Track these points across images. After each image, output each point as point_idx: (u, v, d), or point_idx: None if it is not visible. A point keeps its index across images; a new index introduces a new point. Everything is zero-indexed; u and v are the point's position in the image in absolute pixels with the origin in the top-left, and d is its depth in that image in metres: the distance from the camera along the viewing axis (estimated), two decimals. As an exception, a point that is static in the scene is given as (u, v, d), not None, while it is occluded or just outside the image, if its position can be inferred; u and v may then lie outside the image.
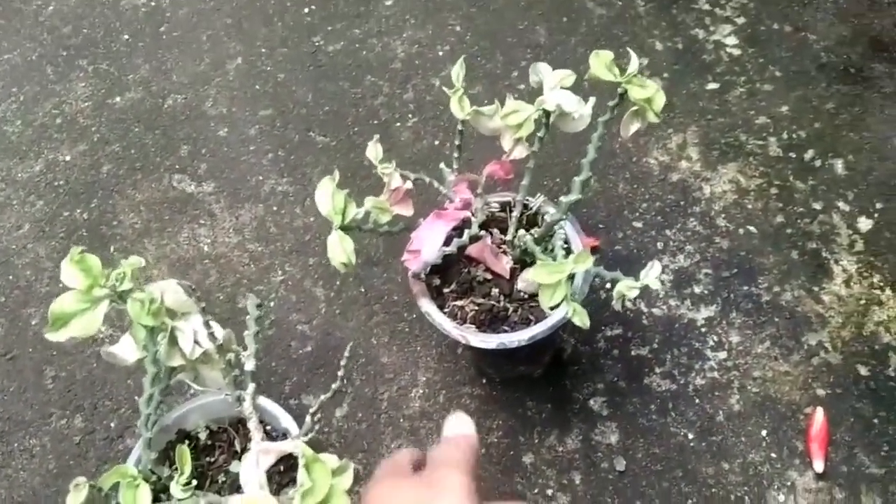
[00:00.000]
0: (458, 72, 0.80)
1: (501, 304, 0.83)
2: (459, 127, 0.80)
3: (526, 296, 0.84)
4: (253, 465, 0.65)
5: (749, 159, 1.14)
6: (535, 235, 0.82)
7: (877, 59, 1.23)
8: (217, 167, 1.20)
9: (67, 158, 1.24)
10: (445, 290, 0.85)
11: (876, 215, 1.07)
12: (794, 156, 1.14)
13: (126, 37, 1.39)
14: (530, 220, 0.87)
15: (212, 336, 0.72)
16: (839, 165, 1.12)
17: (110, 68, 1.35)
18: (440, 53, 1.30)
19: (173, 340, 0.71)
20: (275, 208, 1.15)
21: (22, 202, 1.20)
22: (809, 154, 1.14)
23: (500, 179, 0.83)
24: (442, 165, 0.86)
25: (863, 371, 0.96)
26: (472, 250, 0.85)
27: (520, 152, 0.77)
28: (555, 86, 0.74)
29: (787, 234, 1.07)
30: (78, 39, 1.40)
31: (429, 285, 0.85)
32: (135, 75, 1.33)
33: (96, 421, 1.00)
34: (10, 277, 1.13)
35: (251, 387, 0.79)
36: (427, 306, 0.82)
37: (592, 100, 0.74)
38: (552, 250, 0.81)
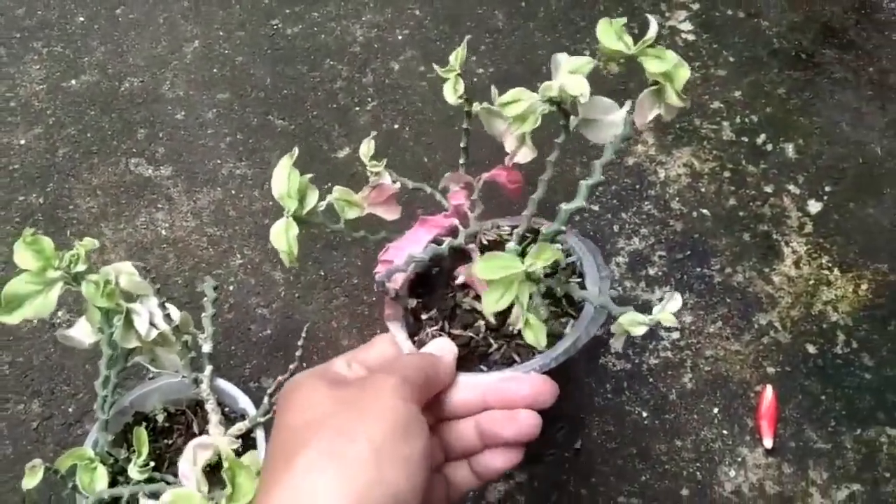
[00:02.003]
0: (459, 53, 0.67)
1: (481, 337, 0.68)
2: (465, 125, 0.70)
3: (516, 331, 0.66)
4: (190, 461, 0.65)
5: (703, 143, 1.16)
6: (529, 251, 0.64)
7: (827, 46, 1.25)
8: (174, 151, 1.20)
9: (22, 142, 1.23)
10: (423, 316, 0.72)
11: (825, 198, 1.10)
12: (746, 140, 1.16)
13: (81, 19, 1.37)
14: None
15: (167, 318, 0.72)
16: (790, 150, 1.15)
17: (65, 51, 1.33)
18: (399, 38, 1.30)
19: (129, 322, 0.71)
20: (233, 192, 1.15)
21: (-25, 186, 1.19)
22: (761, 138, 1.16)
23: (507, 191, 0.71)
24: (448, 174, 0.73)
25: (811, 349, 0.98)
26: (461, 271, 0.71)
27: (525, 155, 0.64)
28: (570, 71, 0.58)
29: (739, 216, 1.09)
30: (32, 21, 1.38)
31: (406, 308, 0.73)
32: (90, 58, 1.32)
33: (54, 406, 1.00)
34: (-36, 262, 1.11)
35: (208, 369, 0.80)
36: (395, 330, 0.68)
37: (629, 103, 0.60)
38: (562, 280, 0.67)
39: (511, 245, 0.67)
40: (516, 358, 0.65)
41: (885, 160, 1.13)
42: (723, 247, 1.06)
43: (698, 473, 0.91)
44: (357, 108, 1.22)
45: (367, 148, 0.73)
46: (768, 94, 1.20)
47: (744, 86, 1.21)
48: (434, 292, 0.73)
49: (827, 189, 1.11)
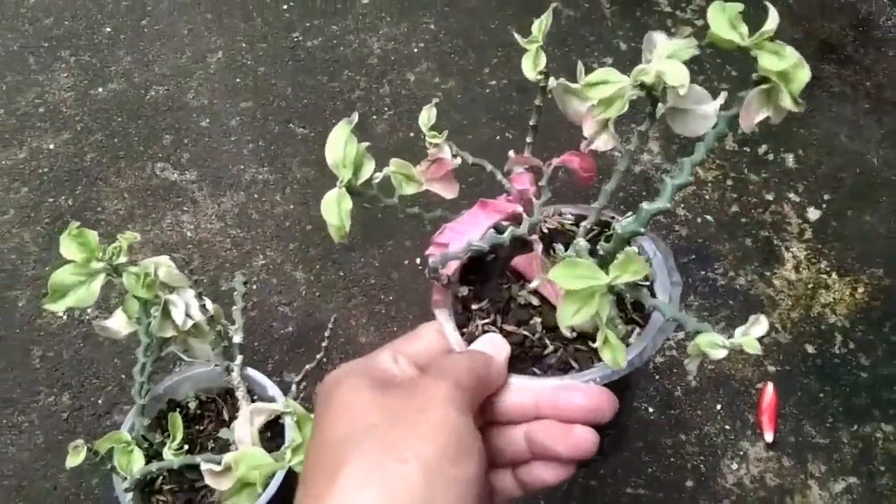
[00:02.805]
0: (542, 23, 0.62)
1: (537, 337, 0.62)
2: (537, 101, 0.64)
3: (575, 335, 0.61)
4: (246, 423, 0.70)
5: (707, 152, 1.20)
6: (600, 250, 0.59)
7: (826, 61, 1.30)
8: (199, 156, 1.24)
9: (51, 147, 1.28)
10: (474, 307, 0.65)
11: (824, 206, 1.15)
12: (748, 150, 1.21)
13: (108, 29, 1.42)
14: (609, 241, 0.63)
15: (203, 308, 0.76)
16: (790, 159, 1.19)
17: (92, 59, 1.38)
18: (415, 50, 1.35)
19: (166, 313, 0.75)
20: (256, 196, 1.20)
21: (6, 189, 1.23)
22: (763, 148, 1.21)
23: (578, 179, 0.65)
24: (511, 153, 0.67)
25: (810, 349, 1.02)
26: (519, 262, 0.65)
27: (605, 142, 0.57)
28: (668, 56, 0.51)
29: (741, 222, 1.13)
30: (60, 31, 1.43)
31: (455, 296, 0.65)
32: (117, 67, 1.37)
33: (83, 398, 1.04)
34: (-4, 261, 1.16)
35: (239, 358, 0.84)
36: (443, 319, 0.61)
37: (723, 95, 0.53)
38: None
39: (580, 242, 0.60)
40: (574, 364, 0.58)
41: (881, 170, 1.17)
42: (726, 251, 1.11)
43: (702, 466, 0.95)
44: (374, 117, 1.27)
45: (427, 116, 0.66)
46: (770, 106, 1.25)
47: (746, 98, 1.26)
48: (488, 281, 0.66)
49: (826, 197, 1.15)
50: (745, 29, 0.47)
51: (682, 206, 1.15)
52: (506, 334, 0.59)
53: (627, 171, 0.56)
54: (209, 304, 0.78)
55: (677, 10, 1.38)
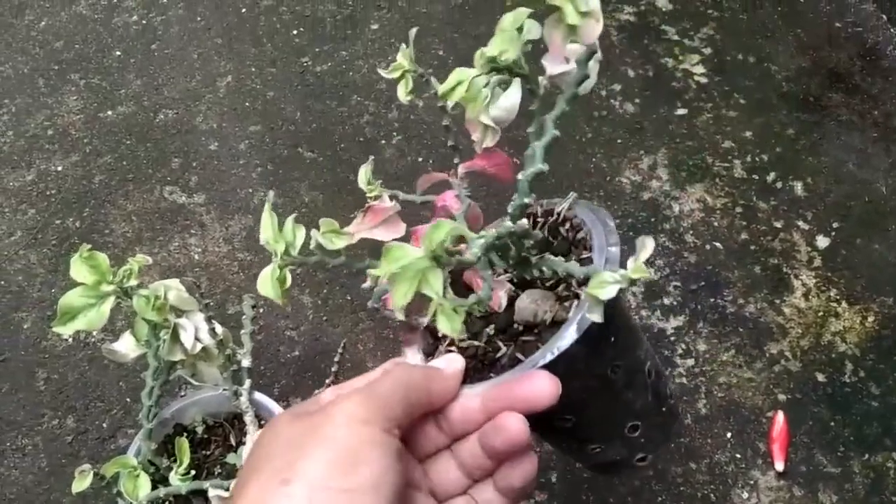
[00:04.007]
0: (407, 50, 0.63)
1: (484, 342, 0.60)
2: (445, 122, 0.64)
3: (521, 328, 0.59)
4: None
5: (715, 180, 1.20)
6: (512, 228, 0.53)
7: (834, 90, 1.31)
8: (207, 179, 1.25)
9: (59, 169, 1.28)
10: (440, 334, 0.63)
11: (833, 234, 1.14)
12: (757, 178, 1.21)
13: (118, 53, 1.43)
14: (552, 232, 0.63)
15: (213, 332, 0.76)
16: (799, 187, 1.19)
17: (102, 83, 1.39)
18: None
19: (175, 336, 0.75)
20: (264, 219, 1.19)
21: (14, 210, 1.23)
22: (771, 176, 1.21)
23: (498, 178, 0.65)
24: (422, 177, 0.69)
25: (820, 378, 1.02)
26: (467, 275, 0.65)
27: (492, 137, 0.55)
28: (503, 28, 0.50)
29: (750, 250, 1.13)
30: (70, 54, 1.44)
31: (424, 328, 0.64)
32: (126, 90, 1.37)
33: (88, 421, 1.03)
34: (2, 282, 1.15)
35: (247, 382, 0.83)
36: (411, 356, 0.61)
37: (598, 53, 0.47)
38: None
39: (505, 224, 0.56)
40: (521, 357, 0.56)
41: (889, 199, 1.17)
42: (735, 279, 1.10)
43: (712, 495, 0.94)
44: (383, 142, 1.27)
45: (364, 174, 0.67)
46: (778, 134, 1.26)
47: (754, 126, 1.27)
48: None
49: (834, 225, 1.15)
50: None
51: (691, 233, 1.15)
52: (462, 350, 0.58)
53: (547, 150, 0.50)
54: (218, 327, 0.77)
55: (685, 39, 1.38)
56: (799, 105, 1.29)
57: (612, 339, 0.54)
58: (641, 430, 0.58)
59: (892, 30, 1.37)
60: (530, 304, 0.56)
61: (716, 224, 1.16)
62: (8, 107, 1.37)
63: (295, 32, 1.44)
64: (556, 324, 0.54)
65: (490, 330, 0.60)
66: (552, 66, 0.49)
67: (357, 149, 1.27)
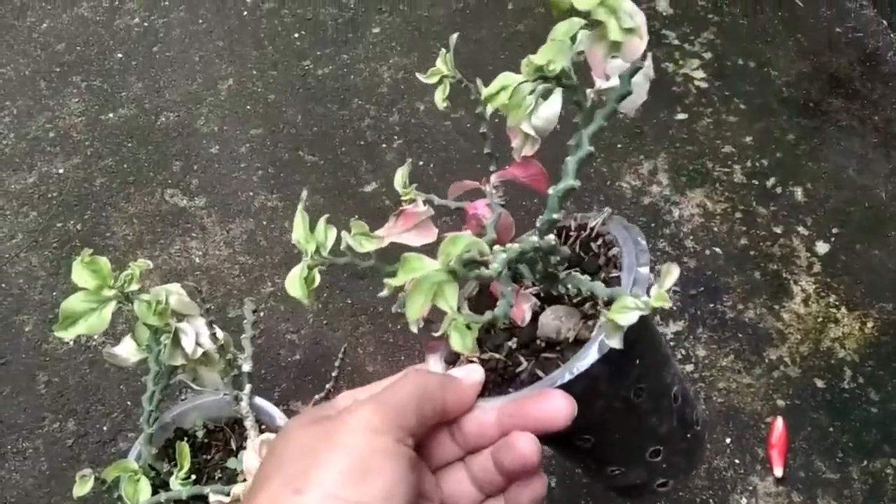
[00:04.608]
0: (447, 56, 0.63)
1: (504, 355, 0.58)
2: (483, 130, 0.64)
3: (543, 344, 0.58)
4: (255, 454, 0.69)
5: (715, 185, 1.21)
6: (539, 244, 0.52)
7: (834, 95, 1.31)
8: (209, 183, 1.25)
9: (61, 171, 1.28)
10: None
11: (832, 239, 1.15)
12: (756, 183, 1.21)
13: (119, 55, 1.43)
14: (584, 248, 0.62)
15: (213, 337, 0.76)
16: (799, 193, 1.20)
17: (104, 85, 1.39)
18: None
19: (176, 341, 0.75)
20: (264, 223, 1.20)
21: (15, 213, 1.24)
22: (771, 181, 1.21)
23: (533, 187, 0.64)
24: (453, 184, 0.68)
25: (819, 384, 1.02)
26: (494, 286, 0.64)
27: (532, 146, 0.53)
28: (553, 38, 0.47)
29: (750, 255, 1.13)
30: (72, 56, 1.44)
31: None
32: (128, 93, 1.38)
33: (89, 425, 1.03)
34: (3, 285, 1.16)
35: (248, 387, 0.83)
36: (433, 363, 0.61)
37: (650, 58, 0.48)
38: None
39: (530, 239, 0.55)
40: (540, 374, 0.55)
41: (889, 204, 1.18)
42: (735, 284, 1.11)
43: (711, 501, 0.94)
44: (384, 146, 1.28)
45: (401, 177, 0.67)
46: (778, 139, 1.26)
47: (754, 131, 1.27)
48: (478, 313, 0.61)
49: (834, 231, 1.15)
50: None
51: (691, 238, 1.15)
52: (483, 362, 0.57)
53: (583, 164, 0.50)
54: (219, 332, 0.78)
55: (685, 43, 1.39)
56: (799, 110, 1.29)
57: (637, 360, 0.52)
58: (664, 456, 0.57)
59: (892, 35, 1.37)
60: (554, 321, 0.56)
61: (715, 229, 1.16)
62: (9, 109, 1.37)
63: (296, 35, 1.44)
64: (579, 342, 0.53)
65: (512, 343, 0.59)
66: (601, 79, 0.48)
67: (358, 152, 1.27)
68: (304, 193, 0.57)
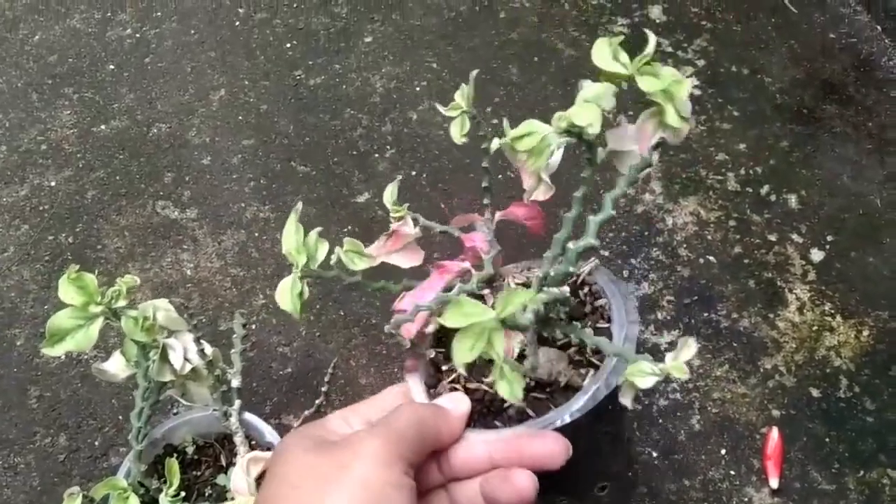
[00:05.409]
0: (467, 91, 0.64)
1: (493, 390, 0.57)
2: (484, 164, 0.65)
3: (532, 383, 0.60)
4: (243, 473, 0.69)
5: (709, 193, 1.20)
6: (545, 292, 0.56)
7: (828, 102, 1.30)
8: (200, 194, 1.24)
9: (52, 184, 1.28)
10: (444, 367, 0.65)
11: (827, 247, 1.14)
12: (750, 190, 1.20)
13: (111, 67, 1.43)
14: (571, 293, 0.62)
15: (202, 353, 0.76)
16: (793, 200, 1.19)
17: (95, 97, 1.39)
18: (417, 89, 1.35)
19: (164, 357, 0.74)
20: (256, 234, 1.19)
21: (6, 226, 1.23)
22: (765, 189, 1.20)
23: (528, 229, 0.67)
24: (457, 217, 0.69)
25: (815, 393, 1.01)
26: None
27: (544, 192, 0.56)
28: (586, 99, 0.50)
29: (744, 263, 1.13)
30: (63, 68, 1.43)
31: (428, 359, 0.65)
32: (120, 104, 1.37)
33: (80, 440, 1.03)
34: (-5, 299, 1.15)
35: (237, 403, 0.83)
36: (413, 384, 0.61)
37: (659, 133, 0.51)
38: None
39: (552, 290, 0.59)
40: (530, 413, 0.57)
41: (884, 211, 1.17)
42: (729, 293, 1.10)
43: (706, 512, 0.93)
44: (376, 156, 1.27)
45: (390, 193, 0.68)
46: (771, 146, 1.25)
47: (748, 139, 1.26)
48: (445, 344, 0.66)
49: (829, 238, 1.15)
50: (626, 58, 0.49)
51: (685, 246, 1.15)
52: (470, 392, 0.60)
53: (579, 217, 0.57)
54: (208, 347, 0.77)
55: (678, 51, 1.38)
56: (793, 117, 1.29)
57: (611, 407, 0.55)
58: (610, 489, 0.66)
59: (886, 41, 1.37)
60: (546, 364, 0.58)
61: (709, 237, 1.16)
62: (1, 121, 1.37)
63: (288, 45, 1.44)
64: (569, 387, 0.56)
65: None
66: (615, 141, 0.52)
67: (350, 162, 1.27)
68: (299, 205, 0.58)
